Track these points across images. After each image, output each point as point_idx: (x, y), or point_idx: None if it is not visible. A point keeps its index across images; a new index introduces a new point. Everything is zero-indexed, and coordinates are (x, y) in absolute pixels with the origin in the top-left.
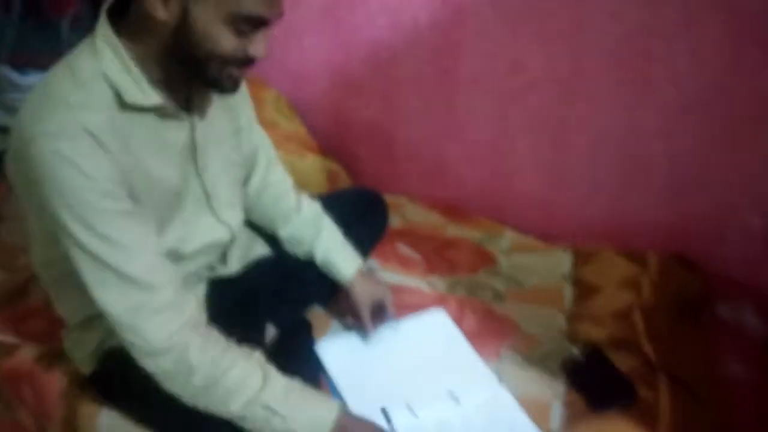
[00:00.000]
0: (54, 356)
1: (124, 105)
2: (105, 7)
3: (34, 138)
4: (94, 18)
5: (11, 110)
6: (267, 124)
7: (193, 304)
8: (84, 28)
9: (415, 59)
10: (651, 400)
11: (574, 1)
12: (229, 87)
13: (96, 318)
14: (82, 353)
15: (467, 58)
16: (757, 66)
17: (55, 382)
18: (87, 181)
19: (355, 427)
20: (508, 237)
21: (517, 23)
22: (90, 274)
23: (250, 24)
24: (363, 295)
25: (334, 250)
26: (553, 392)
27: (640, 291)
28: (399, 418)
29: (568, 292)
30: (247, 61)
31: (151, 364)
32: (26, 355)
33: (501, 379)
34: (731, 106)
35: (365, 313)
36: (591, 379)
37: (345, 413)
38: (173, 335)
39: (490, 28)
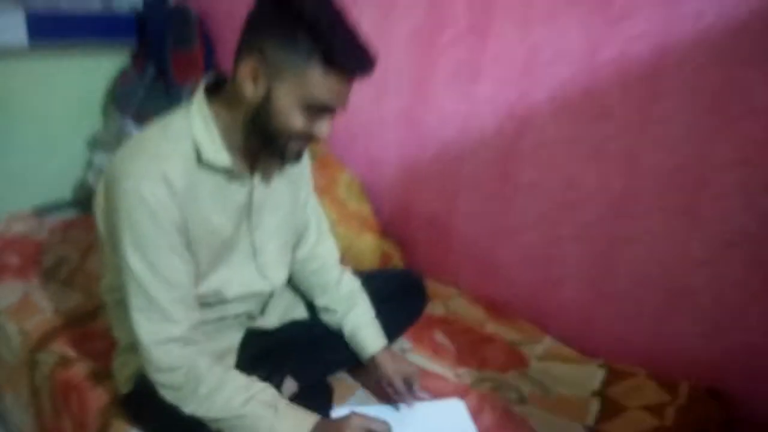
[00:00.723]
0: (102, 375)
1: (200, 161)
2: (204, 80)
3: (122, 177)
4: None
5: None
6: (336, 202)
7: (207, 345)
8: None
9: (478, 161)
10: None
11: (630, 131)
12: (291, 158)
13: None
14: (124, 374)
15: (526, 167)
16: None
17: (97, 398)
18: (153, 218)
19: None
20: (545, 343)
21: (575, 142)
22: (131, 295)
23: (319, 110)
24: (392, 370)
25: (362, 327)
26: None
27: (664, 417)
28: None
29: (593, 408)
30: (310, 138)
31: (161, 378)
32: (80, 370)
33: None
34: None
35: (398, 384)
36: None
37: (324, 420)
38: (184, 358)
39: (549, 143)
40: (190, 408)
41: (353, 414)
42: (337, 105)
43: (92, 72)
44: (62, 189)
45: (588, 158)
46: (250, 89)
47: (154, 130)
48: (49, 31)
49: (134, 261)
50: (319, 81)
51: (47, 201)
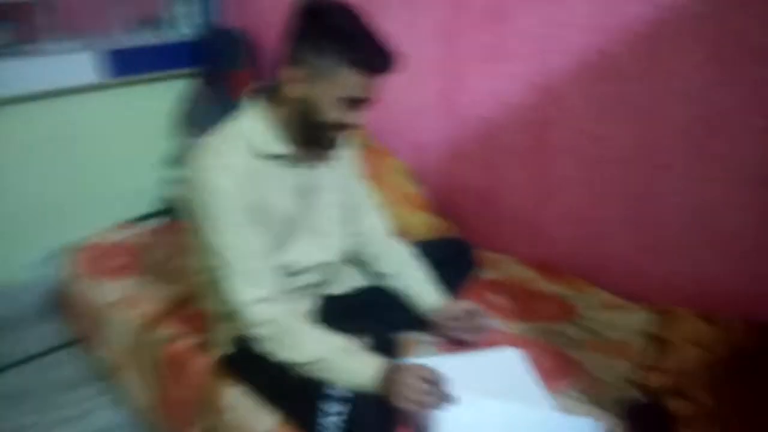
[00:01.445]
0: (203, 346)
1: (256, 154)
2: (251, 88)
3: (197, 171)
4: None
5: None
6: (388, 185)
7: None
8: None
9: (514, 133)
10: None
11: (644, 85)
12: (330, 145)
13: (227, 314)
14: (219, 341)
15: (558, 132)
16: None
17: (201, 364)
18: (222, 201)
19: (398, 379)
20: (595, 294)
21: (600, 103)
22: (218, 269)
23: (351, 103)
24: (457, 308)
25: (418, 285)
26: (606, 427)
27: (710, 349)
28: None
29: (642, 347)
30: (346, 127)
31: (257, 332)
32: (186, 344)
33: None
34: None
35: (467, 317)
36: (644, 420)
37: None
38: (273, 314)
39: (574, 107)
40: (283, 355)
41: (410, 362)
42: (367, 96)
43: (158, 97)
44: (144, 204)
45: (614, 118)
46: (293, 91)
47: (215, 134)
48: (118, 67)
49: (214, 238)
50: (347, 80)
51: (136, 214)
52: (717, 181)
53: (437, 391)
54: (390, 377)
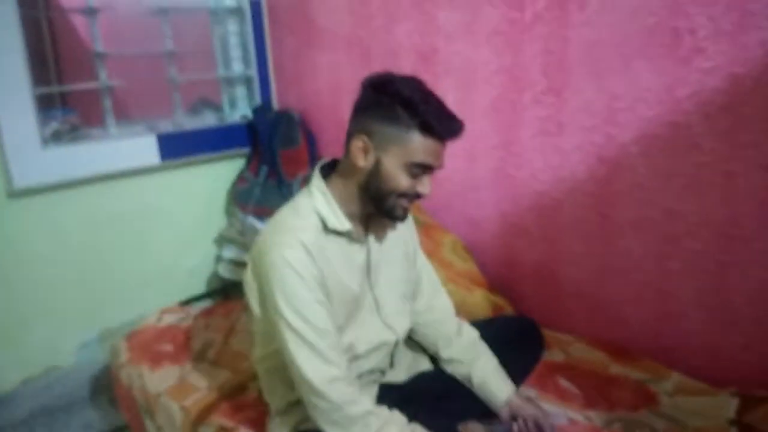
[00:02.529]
0: None
1: (326, 230)
2: (319, 164)
3: (270, 249)
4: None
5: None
6: (443, 263)
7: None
8: None
9: (575, 207)
10: None
11: (723, 156)
12: (400, 215)
13: (295, 404)
14: None
15: (624, 206)
16: None
17: None
18: (300, 278)
19: None
20: (673, 379)
21: (670, 175)
22: (293, 346)
23: (420, 169)
24: (531, 412)
25: (490, 376)
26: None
27: None
28: None
29: None
30: (415, 196)
31: (333, 417)
32: None
33: None
34: None
35: (545, 424)
36: None
37: None
38: (349, 395)
39: (643, 180)
40: None
41: None
42: (435, 164)
43: (214, 177)
44: (199, 283)
45: (684, 189)
46: (363, 161)
47: (287, 211)
48: (177, 149)
49: (290, 315)
50: (418, 146)
51: (188, 295)
52: None
53: None
54: None
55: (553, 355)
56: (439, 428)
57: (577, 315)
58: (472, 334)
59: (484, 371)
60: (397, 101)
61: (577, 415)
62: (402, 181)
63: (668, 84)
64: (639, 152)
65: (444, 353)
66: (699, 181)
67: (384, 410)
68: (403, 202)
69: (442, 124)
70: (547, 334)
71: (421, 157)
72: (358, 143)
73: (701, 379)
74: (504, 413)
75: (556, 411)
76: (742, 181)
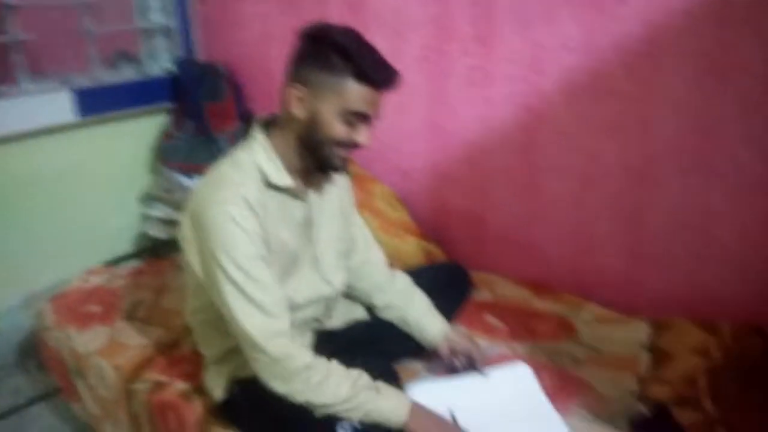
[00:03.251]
0: (194, 391)
1: (268, 184)
2: (259, 119)
3: (209, 204)
4: (245, 134)
5: (178, 207)
6: (376, 213)
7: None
8: (238, 142)
9: (502, 154)
10: None
11: (639, 99)
12: (339, 165)
13: (230, 353)
14: (216, 384)
15: (547, 151)
16: None
17: (193, 411)
18: (243, 234)
19: (425, 417)
20: (590, 310)
21: (589, 120)
22: (234, 301)
23: (356, 117)
24: (464, 344)
25: (425, 315)
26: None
27: (710, 356)
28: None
29: (644, 359)
30: (353, 146)
31: (274, 371)
32: (173, 390)
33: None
34: None
35: (474, 353)
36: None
37: (416, 404)
38: (290, 349)
39: (565, 125)
40: (302, 397)
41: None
42: (371, 113)
43: (137, 133)
44: (126, 243)
45: (604, 134)
46: (299, 110)
47: (227, 166)
48: (95, 105)
49: (233, 271)
50: (353, 93)
51: (114, 255)
52: (709, 191)
53: None
54: (418, 419)
55: (480, 295)
56: (377, 369)
57: (504, 257)
58: (404, 279)
59: (419, 311)
60: (333, 49)
61: (503, 348)
62: (338, 128)
63: (589, 32)
64: (562, 100)
65: (379, 301)
66: (618, 127)
67: (323, 363)
68: (341, 151)
69: (377, 72)
70: (476, 275)
71: (356, 105)
72: (294, 92)
73: (616, 309)
74: (443, 348)
75: (487, 345)
76: (656, 124)
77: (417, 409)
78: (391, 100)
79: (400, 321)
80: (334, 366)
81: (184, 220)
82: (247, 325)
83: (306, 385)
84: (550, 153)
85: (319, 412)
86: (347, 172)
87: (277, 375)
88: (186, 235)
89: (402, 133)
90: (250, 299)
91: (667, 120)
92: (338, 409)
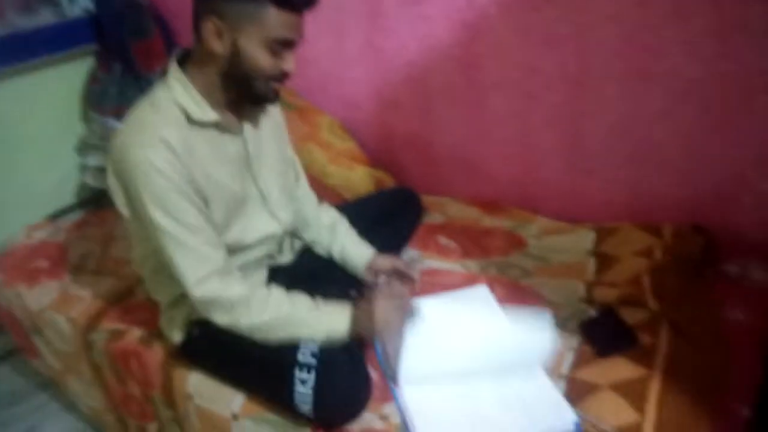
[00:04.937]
0: (153, 336)
1: (191, 122)
2: (174, 54)
3: (128, 150)
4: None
5: None
6: (323, 144)
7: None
8: None
9: (443, 73)
10: (651, 345)
11: (575, 8)
12: (271, 97)
13: (181, 297)
14: (174, 327)
15: (488, 67)
16: (743, 48)
17: (154, 356)
18: (164, 177)
19: (365, 318)
20: (538, 223)
21: (527, 32)
22: (168, 247)
23: (280, 45)
24: (390, 262)
25: (348, 247)
26: (567, 346)
27: (653, 256)
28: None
29: (590, 265)
30: (282, 76)
31: (212, 307)
32: (132, 337)
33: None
34: (725, 88)
35: (403, 268)
36: (599, 331)
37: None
38: (224, 286)
39: (504, 39)
40: (245, 321)
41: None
42: (295, 38)
43: (62, 81)
44: (66, 195)
45: (542, 46)
46: (218, 46)
47: (144, 106)
48: (11, 54)
49: (159, 217)
50: (274, 20)
51: (56, 208)
52: (644, 97)
53: (407, 304)
54: (363, 310)
55: (432, 218)
56: (335, 298)
57: (452, 178)
58: (331, 214)
59: (343, 245)
60: None
61: (456, 266)
62: (263, 60)
63: None
64: (498, 12)
65: (306, 236)
66: (554, 36)
67: (261, 288)
68: (272, 84)
69: None
70: (427, 198)
71: (279, 32)
72: (209, 26)
73: (563, 220)
74: (368, 275)
75: (410, 254)
76: (592, 32)
77: (358, 312)
78: (326, 23)
79: (326, 255)
80: (274, 289)
81: (108, 167)
82: (181, 268)
83: (247, 309)
84: (491, 68)
85: (263, 335)
86: (278, 103)
87: (217, 309)
88: (111, 182)
89: (342, 61)
90: (180, 243)
91: (602, 27)
92: (280, 324)
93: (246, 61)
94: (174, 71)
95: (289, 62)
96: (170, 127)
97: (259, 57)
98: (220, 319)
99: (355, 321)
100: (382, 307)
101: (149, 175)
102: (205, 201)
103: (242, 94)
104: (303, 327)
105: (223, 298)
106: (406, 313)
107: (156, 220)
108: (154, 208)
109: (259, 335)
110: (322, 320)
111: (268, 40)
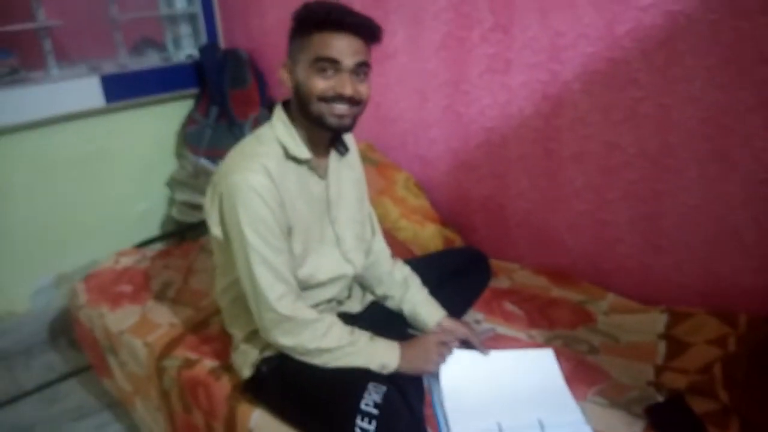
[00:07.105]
0: (222, 369)
1: (287, 157)
2: (281, 100)
3: (232, 172)
4: (268, 119)
5: (203, 192)
6: (397, 200)
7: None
8: None
9: (521, 141)
10: None
11: (658, 90)
12: (333, 122)
13: (255, 334)
14: (244, 362)
15: (566, 140)
16: None
17: (221, 388)
18: (261, 199)
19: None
20: (609, 299)
21: (609, 109)
22: (253, 263)
23: (327, 64)
24: (455, 324)
25: (419, 306)
26: (631, 429)
27: (726, 346)
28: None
29: (661, 349)
30: (337, 98)
31: (283, 328)
32: (203, 368)
33: (586, 418)
34: None
35: (473, 339)
36: (667, 417)
37: (407, 342)
38: (298, 307)
39: (584, 116)
40: (313, 344)
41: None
42: (338, 58)
43: (162, 119)
44: (153, 226)
45: (623, 123)
46: (288, 81)
47: (249, 140)
48: (122, 90)
49: (249, 233)
50: (316, 42)
51: (142, 238)
52: (726, 181)
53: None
54: (412, 347)
55: (499, 282)
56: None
57: (523, 245)
58: (404, 270)
59: (413, 302)
60: (301, 16)
61: (521, 334)
62: (313, 81)
63: (608, 21)
64: (580, 88)
65: (378, 291)
66: (636, 115)
67: (326, 316)
68: (328, 107)
69: (331, 14)
70: (495, 263)
71: (320, 50)
72: (283, 67)
73: (634, 299)
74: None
75: (484, 327)
76: (674, 114)
77: (406, 350)
78: (411, 86)
79: (397, 310)
80: (335, 319)
81: (208, 191)
82: (261, 284)
83: (313, 334)
84: (570, 141)
85: (324, 359)
86: (348, 129)
87: (286, 331)
88: (206, 205)
89: (422, 121)
90: (264, 260)
91: (684, 109)
92: (341, 353)
93: (301, 87)
94: (278, 112)
95: (345, 85)
96: (270, 158)
97: (308, 79)
98: (286, 341)
99: (403, 355)
100: (425, 349)
101: (248, 195)
102: (290, 229)
103: (311, 122)
104: (360, 356)
105: (297, 317)
106: (444, 354)
107: (247, 237)
108: (247, 224)
109: (320, 360)
110: (376, 349)
111: (312, 61)
